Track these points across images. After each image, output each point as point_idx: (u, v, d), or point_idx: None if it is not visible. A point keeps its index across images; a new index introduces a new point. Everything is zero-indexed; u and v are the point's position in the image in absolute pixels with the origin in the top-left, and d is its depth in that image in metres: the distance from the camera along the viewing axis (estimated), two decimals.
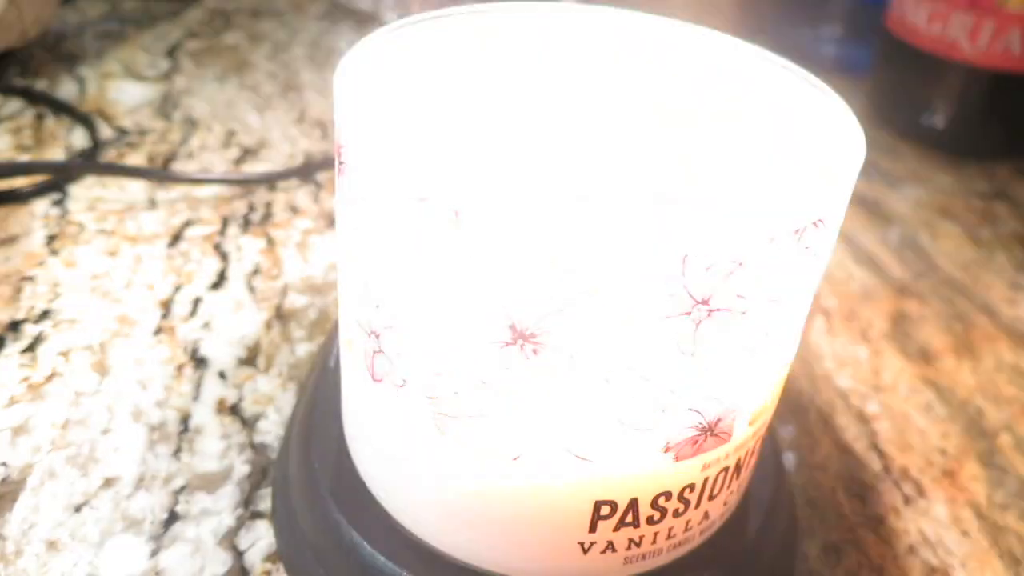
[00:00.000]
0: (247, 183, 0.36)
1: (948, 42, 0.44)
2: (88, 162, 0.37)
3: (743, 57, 0.20)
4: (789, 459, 0.26)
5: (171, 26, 0.52)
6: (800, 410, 0.28)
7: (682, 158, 0.16)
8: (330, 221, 0.35)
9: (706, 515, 0.19)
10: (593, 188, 0.15)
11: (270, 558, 0.22)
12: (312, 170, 0.38)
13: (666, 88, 0.19)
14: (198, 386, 0.26)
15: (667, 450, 0.17)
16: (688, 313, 0.15)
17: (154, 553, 0.21)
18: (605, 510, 0.17)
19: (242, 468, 0.24)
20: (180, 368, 0.27)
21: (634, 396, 0.16)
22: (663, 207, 0.14)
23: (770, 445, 0.23)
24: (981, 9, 0.43)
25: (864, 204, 0.41)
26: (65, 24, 0.49)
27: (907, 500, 0.26)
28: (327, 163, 0.38)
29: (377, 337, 0.17)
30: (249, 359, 0.28)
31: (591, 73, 0.19)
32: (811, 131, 0.18)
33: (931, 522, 0.25)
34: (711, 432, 0.17)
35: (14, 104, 0.41)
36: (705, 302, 0.15)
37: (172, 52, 0.48)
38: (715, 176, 0.16)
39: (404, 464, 0.18)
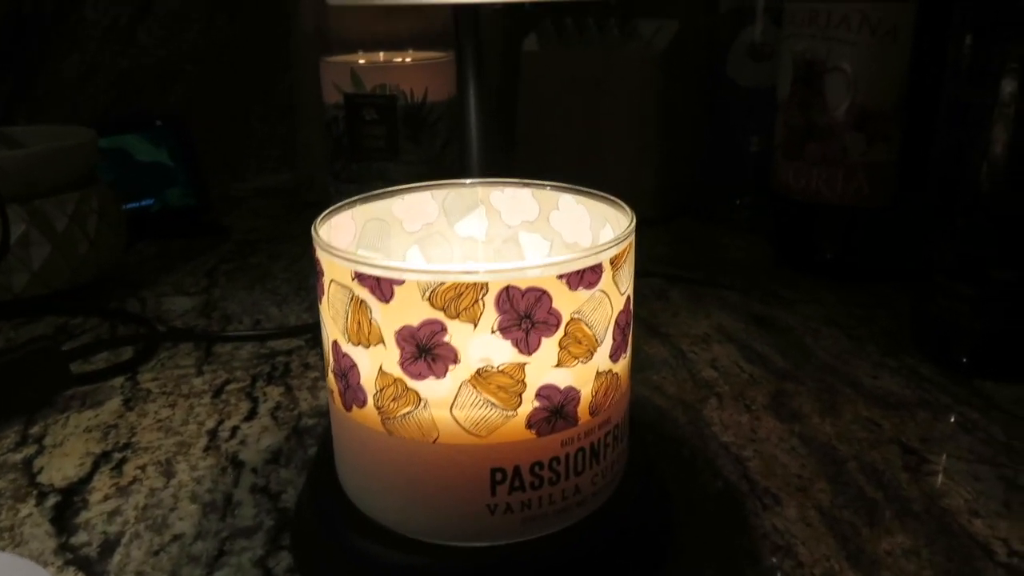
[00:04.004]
0: (269, 338, 0.48)
1: (813, 191, 0.57)
2: (155, 333, 0.48)
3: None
4: (669, 486, 0.35)
5: (208, 256, 0.65)
6: (686, 458, 0.37)
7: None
8: None
9: (577, 488, 0.28)
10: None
11: (289, 570, 0.30)
12: (317, 330, 0.49)
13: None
14: (237, 478, 0.36)
15: (529, 427, 0.26)
16: (518, 324, 0.25)
17: (209, 574, 0.30)
18: (499, 476, 0.27)
19: (269, 522, 0.33)
20: (224, 469, 0.37)
21: (500, 387, 0.26)
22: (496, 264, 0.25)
23: (644, 466, 0.32)
24: (831, 162, 0.55)
25: (760, 322, 0.52)
26: (128, 264, 0.63)
27: (765, 507, 0.34)
28: None
29: (344, 376, 0.27)
30: (273, 459, 0.37)
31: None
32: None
33: (781, 520, 0.33)
34: (559, 415, 0.26)
35: (93, 321, 0.53)
36: (528, 317, 0.25)
37: (210, 273, 0.61)
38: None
39: (363, 462, 0.28)
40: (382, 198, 0.33)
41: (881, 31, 0.52)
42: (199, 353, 0.48)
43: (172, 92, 0.81)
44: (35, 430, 0.40)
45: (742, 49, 0.66)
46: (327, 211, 0.30)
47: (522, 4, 0.29)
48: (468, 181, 0.34)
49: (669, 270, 0.60)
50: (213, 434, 0.40)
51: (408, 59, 0.68)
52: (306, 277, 0.60)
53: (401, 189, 0.33)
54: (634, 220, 0.28)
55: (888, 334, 0.50)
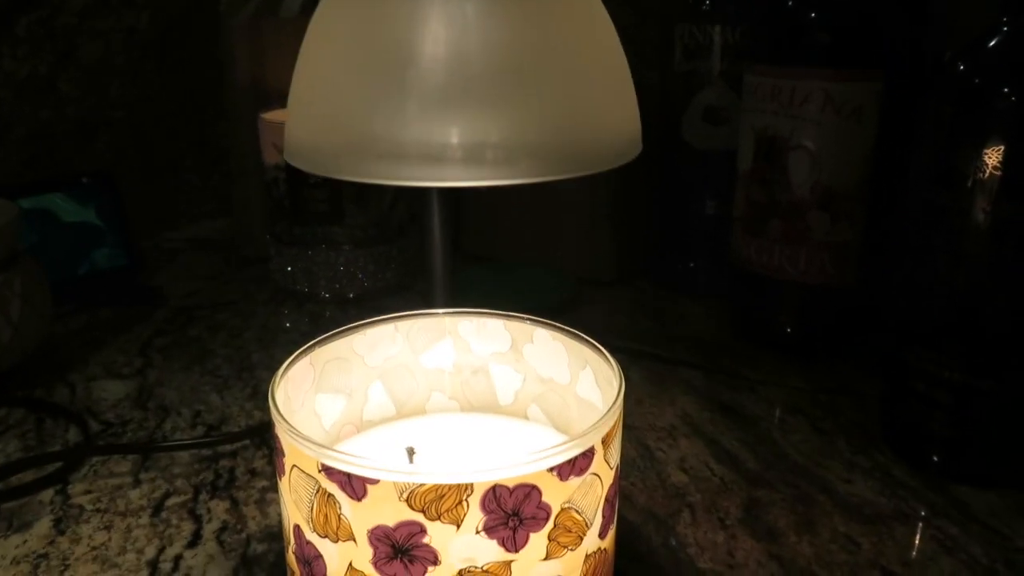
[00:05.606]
0: (209, 446, 0.45)
1: (775, 267, 0.56)
2: (83, 446, 0.44)
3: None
4: None
5: (142, 327, 0.61)
6: None
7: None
8: None
9: None
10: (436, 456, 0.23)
11: None
12: (263, 432, 0.46)
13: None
14: None
15: None
16: (505, 523, 0.23)
17: None
18: None
19: None
20: None
21: None
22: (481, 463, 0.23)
23: None
24: (794, 240, 0.54)
25: (726, 411, 0.50)
26: (54, 336, 0.58)
27: None
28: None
29: (308, 564, 0.24)
30: None
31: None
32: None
33: None
34: None
35: (18, 413, 0.49)
36: (515, 514, 0.23)
37: (144, 350, 0.58)
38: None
39: None
40: (342, 336, 0.30)
41: (846, 111, 0.51)
42: (136, 456, 0.44)
43: (97, 142, 0.76)
44: None
45: (698, 112, 0.64)
46: (286, 363, 0.28)
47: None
48: (434, 311, 0.32)
49: (630, 344, 0.59)
50: (154, 565, 0.36)
51: None
52: (248, 355, 0.56)
53: (362, 324, 0.31)
54: (623, 384, 0.26)
55: (856, 426, 0.49)
